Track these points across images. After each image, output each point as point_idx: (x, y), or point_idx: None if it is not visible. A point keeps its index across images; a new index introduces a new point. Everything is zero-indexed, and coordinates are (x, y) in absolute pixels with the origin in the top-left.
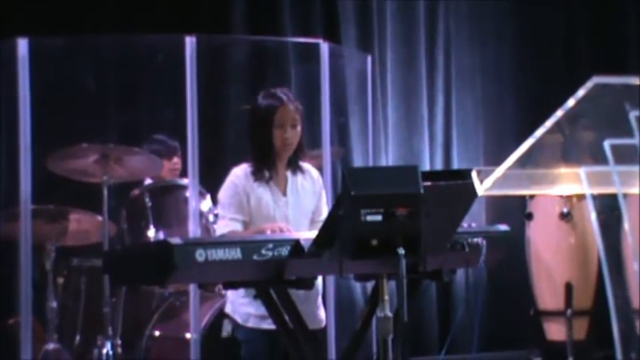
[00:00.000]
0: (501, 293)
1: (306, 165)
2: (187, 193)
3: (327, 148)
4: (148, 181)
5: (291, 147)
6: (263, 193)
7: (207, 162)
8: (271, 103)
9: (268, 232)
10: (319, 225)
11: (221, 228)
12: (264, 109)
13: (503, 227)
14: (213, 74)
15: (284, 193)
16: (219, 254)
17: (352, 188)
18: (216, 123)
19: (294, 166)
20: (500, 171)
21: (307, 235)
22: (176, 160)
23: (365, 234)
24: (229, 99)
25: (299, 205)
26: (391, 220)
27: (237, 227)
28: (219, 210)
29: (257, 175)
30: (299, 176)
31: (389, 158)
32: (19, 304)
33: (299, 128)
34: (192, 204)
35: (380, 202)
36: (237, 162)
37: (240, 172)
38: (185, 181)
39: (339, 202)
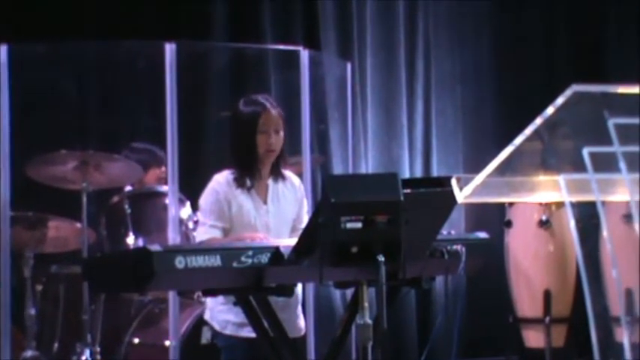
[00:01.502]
0: (480, 300)
1: (287, 172)
2: (167, 200)
3: (307, 155)
4: (127, 188)
5: (274, 153)
6: (244, 201)
7: (188, 169)
8: (254, 110)
9: (248, 240)
10: (299, 233)
11: (201, 235)
12: (248, 114)
13: (483, 235)
14: (193, 81)
15: (265, 201)
16: (199, 261)
17: (332, 195)
18: (196, 130)
19: (276, 173)
20: (479, 178)
21: (287, 242)
22: (164, 168)
23: (345, 241)
24: (209, 106)
25: (280, 213)
26: (371, 228)
27: (217, 234)
28: (199, 216)
29: (239, 182)
30: (280, 184)
31: (369, 165)
32: None
33: (282, 134)
34: (171, 211)
35: (360, 209)
36: (217, 169)
37: (221, 179)
38: (165, 188)
39: (319, 209)
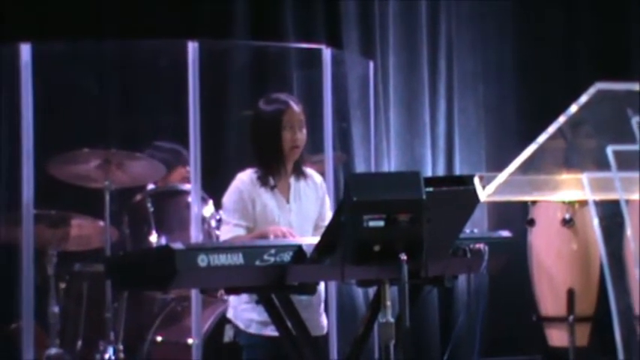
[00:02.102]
0: (503, 299)
1: (309, 170)
2: (189, 199)
3: (330, 154)
4: (150, 187)
5: (299, 149)
6: (268, 200)
7: (210, 167)
8: (278, 107)
9: (271, 236)
10: (322, 231)
11: (225, 234)
12: (271, 112)
13: (506, 233)
14: (215, 79)
15: (288, 200)
16: (222, 259)
17: (354, 194)
18: (218, 128)
19: (298, 172)
20: (502, 177)
21: (310, 240)
22: (189, 168)
23: (367, 240)
24: (231, 104)
25: (303, 211)
26: (393, 226)
27: (241, 233)
28: (223, 215)
29: (263, 180)
30: (302, 182)
31: (391, 164)
32: (21, 309)
33: (304, 131)
34: (194, 209)
35: (382, 207)
36: (239, 168)
37: (245, 178)
38: (187, 186)
39: (341, 207)
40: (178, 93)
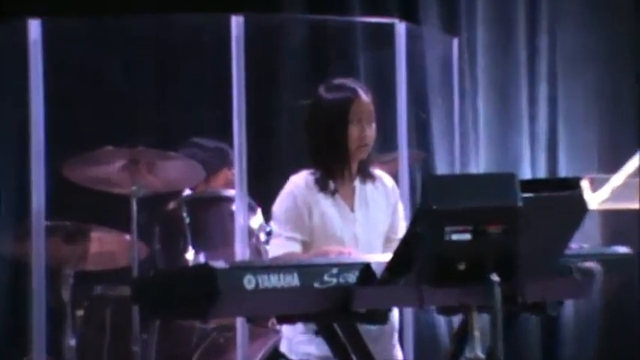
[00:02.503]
0: (619, 329)
1: (377, 172)
2: (234, 207)
3: (404, 152)
4: (186, 193)
5: (367, 148)
6: (328, 208)
7: (258, 169)
8: (344, 96)
9: (333, 255)
10: (395, 245)
11: (275, 249)
12: (336, 102)
13: (623, 249)
14: (263, 62)
15: (352, 208)
16: (273, 281)
17: (434, 201)
18: (267, 121)
19: (365, 174)
20: (618, 179)
21: (380, 257)
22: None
23: (450, 256)
24: (285, 92)
25: (370, 221)
26: (482, 240)
27: (295, 248)
28: (273, 227)
29: (321, 184)
30: (369, 186)
31: (479, 163)
32: (31, 340)
33: (374, 125)
34: (239, 220)
35: (468, 217)
36: (293, 169)
37: (300, 182)
38: (231, 192)
39: (418, 217)
40: (220, 78)
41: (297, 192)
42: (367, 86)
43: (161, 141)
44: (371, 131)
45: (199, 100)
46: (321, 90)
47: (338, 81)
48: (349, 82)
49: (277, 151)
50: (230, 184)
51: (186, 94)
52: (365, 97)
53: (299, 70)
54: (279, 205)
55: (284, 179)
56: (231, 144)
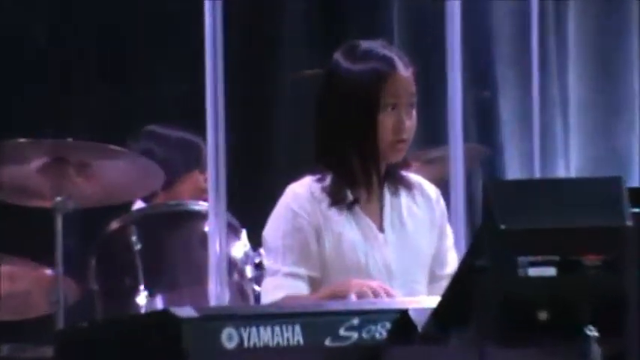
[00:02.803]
0: None
1: (414, 177)
2: (207, 227)
3: (457, 147)
4: (137, 206)
5: (406, 144)
6: (345, 227)
7: (243, 172)
8: (374, 68)
9: (352, 295)
10: (444, 285)
11: (270, 291)
12: (362, 78)
13: None
14: (251, 16)
15: (380, 227)
16: (265, 336)
17: (502, 218)
18: (257, 103)
19: (396, 179)
20: None
21: (422, 301)
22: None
23: (526, 301)
24: (280, 59)
25: (408, 246)
26: (573, 276)
27: (300, 289)
28: (265, 258)
29: (334, 194)
30: (404, 197)
31: (570, 163)
32: None
33: (414, 113)
34: (214, 246)
35: (553, 243)
36: (293, 173)
37: (302, 191)
38: (203, 205)
39: (479, 243)
40: (189, 41)
41: (298, 207)
42: (406, 53)
43: (99, 130)
44: (411, 121)
45: (158, 71)
46: (339, 56)
47: (365, 44)
48: (380, 46)
49: (270, 146)
50: (201, 194)
51: (137, 62)
52: (404, 71)
53: (303, 28)
54: (273, 228)
55: (280, 188)
56: (203, 135)
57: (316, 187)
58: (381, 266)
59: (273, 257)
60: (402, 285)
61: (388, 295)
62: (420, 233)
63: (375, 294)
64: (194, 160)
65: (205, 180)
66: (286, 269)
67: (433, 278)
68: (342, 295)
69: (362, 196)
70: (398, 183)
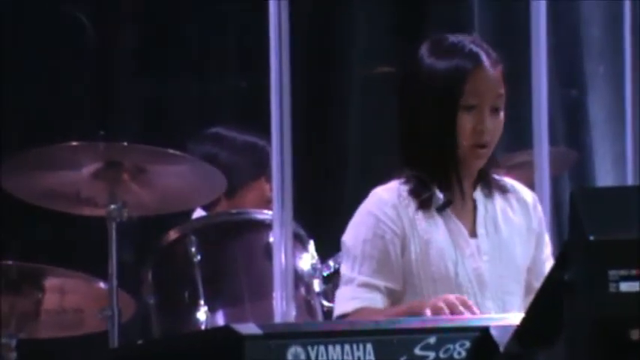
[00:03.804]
0: None
1: (511, 182)
2: (271, 238)
3: (543, 151)
4: (196, 214)
5: (488, 149)
6: (434, 233)
7: (311, 179)
8: (458, 66)
9: (427, 311)
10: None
11: (344, 302)
12: (444, 75)
13: None
14: (319, 9)
15: (472, 232)
16: (334, 355)
17: (591, 228)
18: (326, 103)
19: (489, 183)
20: None
21: (505, 317)
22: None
23: (618, 318)
24: (351, 57)
25: (501, 254)
26: None
27: (376, 301)
28: (343, 266)
29: (422, 199)
30: (499, 200)
31: None
32: None
33: (502, 114)
34: (279, 258)
35: None
36: (367, 180)
37: (389, 197)
38: (267, 214)
39: (566, 255)
40: (254, 35)
41: (382, 213)
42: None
43: (156, 132)
44: (496, 122)
45: (219, 68)
46: (424, 50)
47: (452, 39)
48: (468, 41)
49: (341, 150)
50: (267, 204)
51: (200, 58)
52: (491, 69)
53: (377, 22)
54: (353, 233)
55: (352, 196)
56: (268, 138)
57: (403, 190)
58: (472, 276)
59: (350, 265)
60: (494, 297)
61: (468, 309)
62: (516, 240)
63: (452, 309)
64: (261, 166)
65: (271, 188)
66: (362, 279)
67: (529, 290)
68: (418, 312)
69: (454, 199)
70: (491, 186)
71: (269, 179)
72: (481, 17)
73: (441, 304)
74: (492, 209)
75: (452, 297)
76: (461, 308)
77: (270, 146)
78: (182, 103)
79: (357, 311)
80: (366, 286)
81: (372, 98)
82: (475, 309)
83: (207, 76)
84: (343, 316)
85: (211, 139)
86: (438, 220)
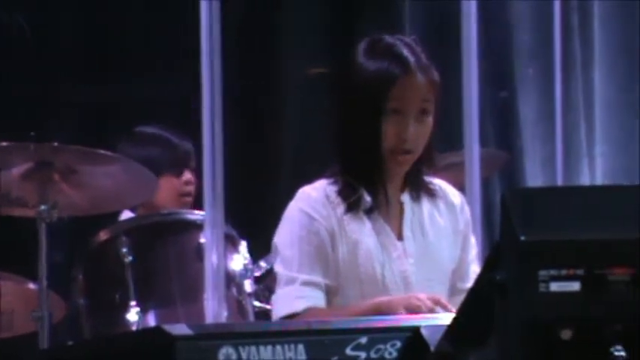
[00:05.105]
0: None
1: (438, 182)
2: (202, 239)
3: (473, 152)
4: (124, 216)
5: (412, 155)
6: (362, 234)
7: (242, 176)
8: (386, 69)
9: (401, 309)
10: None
11: (286, 303)
12: (373, 77)
13: None
14: (252, 6)
15: (399, 235)
16: (266, 356)
17: (522, 228)
18: (258, 104)
19: (417, 185)
20: None
21: (438, 318)
22: (188, 175)
23: (548, 318)
24: (285, 54)
25: (428, 256)
26: (599, 292)
27: (319, 300)
28: (278, 265)
29: (351, 199)
30: (425, 203)
31: (595, 169)
32: None
33: (430, 119)
34: (210, 259)
35: (577, 255)
36: (299, 181)
37: (317, 195)
38: (198, 214)
39: (497, 255)
40: (179, 36)
41: (314, 210)
42: (423, 47)
43: (88, 133)
44: (420, 129)
45: (152, 68)
46: (358, 50)
47: (388, 40)
48: (402, 44)
49: (273, 151)
50: (180, 198)
51: (131, 58)
52: (420, 74)
53: (307, 19)
54: (286, 232)
55: (284, 197)
56: (196, 135)
57: (331, 191)
58: (399, 278)
59: (288, 264)
60: None
61: (443, 307)
62: (443, 243)
63: (428, 308)
64: (166, 161)
65: (183, 183)
66: (304, 277)
67: (454, 292)
68: (388, 311)
69: (381, 202)
70: (420, 189)
71: (176, 175)
72: (413, 18)
73: (416, 302)
74: (419, 212)
75: (423, 295)
76: (436, 307)
77: (186, 139)
78: (117, 105)
79: (306, 311)
80: (308, 284)
81: (306, 98)
82: (450, 307)
83: (144, 78)
84: (292, 316)
85: (143, 140)
86: (366, 223)
